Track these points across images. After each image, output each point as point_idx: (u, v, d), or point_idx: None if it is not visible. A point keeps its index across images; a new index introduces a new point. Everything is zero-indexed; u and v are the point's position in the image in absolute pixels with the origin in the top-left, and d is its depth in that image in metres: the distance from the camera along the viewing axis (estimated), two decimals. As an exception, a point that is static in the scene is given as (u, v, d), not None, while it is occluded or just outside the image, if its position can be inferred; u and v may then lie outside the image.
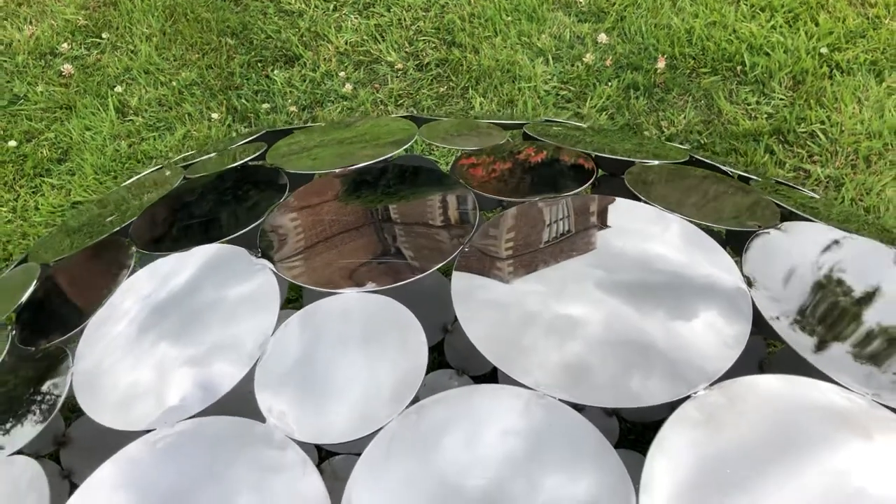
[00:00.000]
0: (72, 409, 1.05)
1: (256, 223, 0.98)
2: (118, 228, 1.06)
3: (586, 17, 2.37)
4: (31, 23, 2.36)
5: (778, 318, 0.82)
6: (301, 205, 1.02)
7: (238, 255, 0.94)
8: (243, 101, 2.14)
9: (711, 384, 0.75)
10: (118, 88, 2.18)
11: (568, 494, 0.68)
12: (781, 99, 2.13)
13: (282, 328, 0.84)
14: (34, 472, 0.81)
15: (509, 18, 2.34)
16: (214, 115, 2.10)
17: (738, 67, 2.21)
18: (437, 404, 0.75)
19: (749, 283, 0.85)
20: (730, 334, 0.80)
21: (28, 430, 0.85)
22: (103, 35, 2.33)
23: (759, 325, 0.82)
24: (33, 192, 1.96)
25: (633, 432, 1.34)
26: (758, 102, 2.13)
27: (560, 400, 0.74)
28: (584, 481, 0.69)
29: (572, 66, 2.23)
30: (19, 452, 0.83)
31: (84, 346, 0.90)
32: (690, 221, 0.93)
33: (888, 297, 0.87)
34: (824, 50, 2.23)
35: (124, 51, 2.28)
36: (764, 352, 1.25)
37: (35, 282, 1.05)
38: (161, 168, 1.35)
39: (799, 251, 0.92)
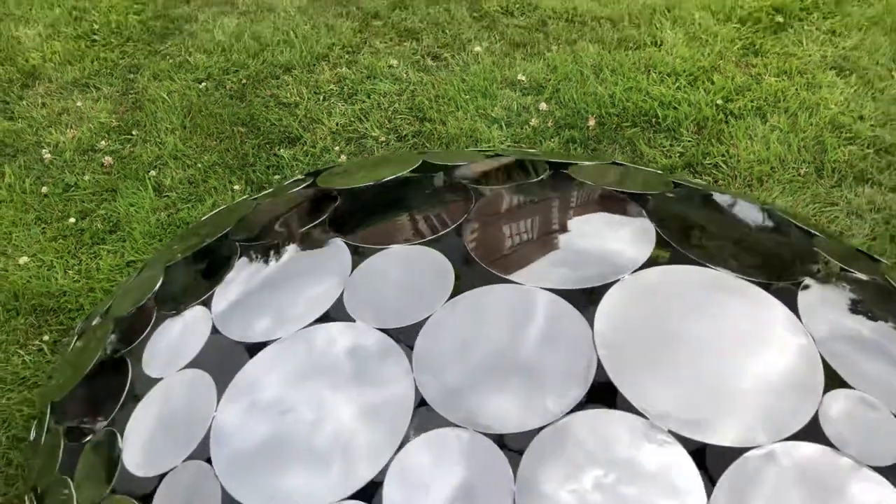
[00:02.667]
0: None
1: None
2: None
3: (529, 91, 2.93)
4: (72, 127, 2.83)
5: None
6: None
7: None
8: (258, 174, 2.62)
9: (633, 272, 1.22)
10: (152, 172, 2.65)
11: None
12: (689, 140, 2.69)
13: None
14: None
15: (467, 97, 2.89)
16: (236, 187, 2.57)
17: (653, 120, 2.77)
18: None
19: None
20: (636, 248, 1.28)
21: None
22: (133, 132, 2.81)
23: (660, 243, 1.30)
24: (93, 257, 2.39)
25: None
26: (671, 145, 2.68)
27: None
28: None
29: (521, 129, 2.76)
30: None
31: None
32: (610, 189, 1.42)
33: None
34: (720, 102, 2.81)
35: (153, 142, 2.76)
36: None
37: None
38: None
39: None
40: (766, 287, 1.23)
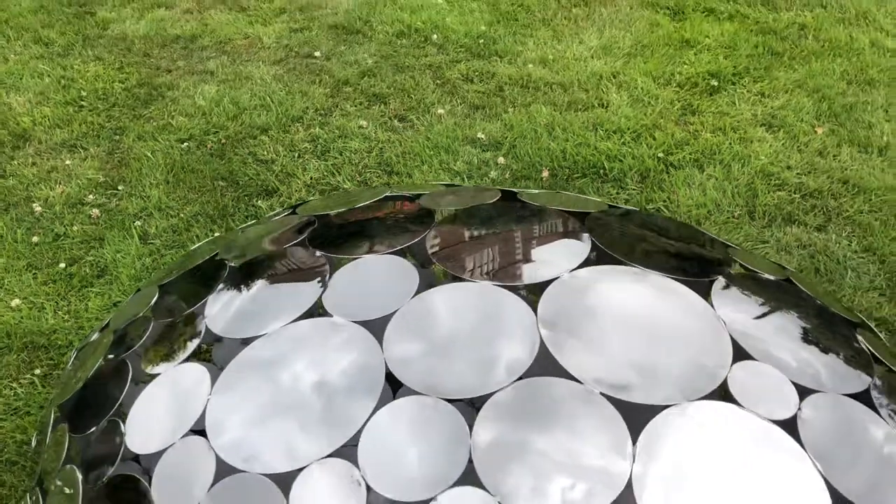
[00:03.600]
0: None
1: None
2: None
3: (488, 148, 3.18)
4: (61, 183, 3.02)
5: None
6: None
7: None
8: (238, 222, 2.82)
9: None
10: (138, 222, 2.84)
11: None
12: (634, 189, 2.94)
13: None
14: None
15: (431, 153, 3.14)
16: (217, 234, 2.77)
17: (601, 171, 3.03)
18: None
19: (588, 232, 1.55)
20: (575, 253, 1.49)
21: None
22: (119, 187, 3.01)
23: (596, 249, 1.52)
24: (82, 299, 2.56)
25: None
26: (617, 193, 2.94)
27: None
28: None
29: (481, 180, 3.01)
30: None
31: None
32: (553, 207, 1.65)
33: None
34: (661, 154, 3.09)
35: (138, 196, 2.96)
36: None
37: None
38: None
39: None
40: (685, 282, 1.45)
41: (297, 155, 3.15)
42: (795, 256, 2.64)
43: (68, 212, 2.90)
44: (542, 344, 1.31)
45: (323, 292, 1.45)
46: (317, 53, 3.74)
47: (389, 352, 1.32)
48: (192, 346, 1.47)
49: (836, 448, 1.24)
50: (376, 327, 1.36)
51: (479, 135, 3.21)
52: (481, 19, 3.95)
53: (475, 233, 1.59)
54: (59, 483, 1.46)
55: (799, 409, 1.28)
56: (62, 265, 2.67)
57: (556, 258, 1.50)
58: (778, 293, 1.58)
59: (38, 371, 2.33)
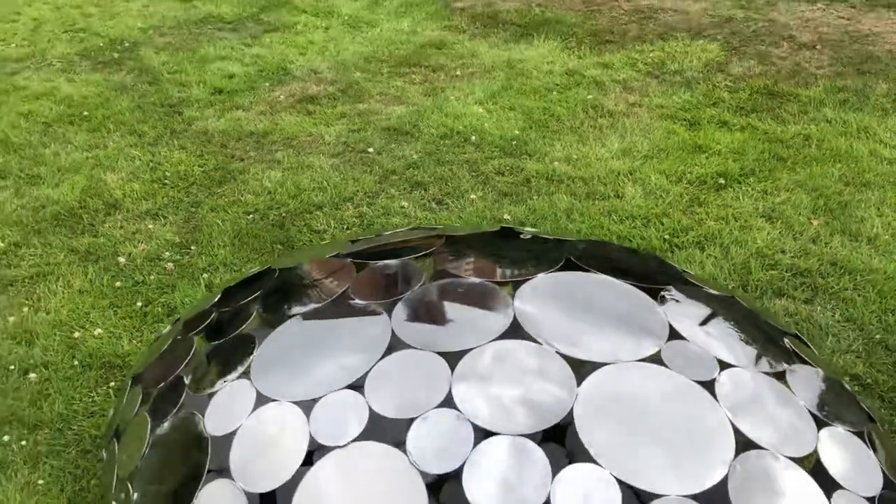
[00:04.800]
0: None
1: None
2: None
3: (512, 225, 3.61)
4: (143, 243, 3.52)
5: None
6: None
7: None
8: (290, 277, 3.26)
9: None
10: (205, 275, 3.30)
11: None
12: (639, 263, 3.31)
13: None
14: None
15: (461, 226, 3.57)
16: (271, 286, 3.20)
17: (611, 247, 3.41)
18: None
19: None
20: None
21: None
22: (192, 247, 3.50)
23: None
24: (152, 331, 2.99)
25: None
26: (624, 265, 3.30)
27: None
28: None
29: (505, 252, 3.41)
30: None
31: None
32: (541, 235, 2.04)
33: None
34: (666, 237, 3.47)
35: (207, 254, 3.43)
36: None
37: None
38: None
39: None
40: (638, 287, 1.81)
41: (345, 227, 3.61)
42: (781, 322, 2.93)
43: (147, 265, 3.38)
44: (515, 318, 1.67)
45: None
46: (370, 149, 4.28)
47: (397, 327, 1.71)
48: (246, 323, 1.87)
49: (744, 403, 1.56)
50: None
51: (506, 216, 3.64)
52: (515, 125, 4.47)
53: (479, 246, 1.98)
54: (132, 427, 1.84)
55: (718, 376, 1.60)
56: (139, 304, 3.12)
57: (535, 262, 1.88)
58: (719, 302, 1.92)
59: (112, 384, 2.74)
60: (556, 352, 1.60)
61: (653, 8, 5.78)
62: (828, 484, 1.48)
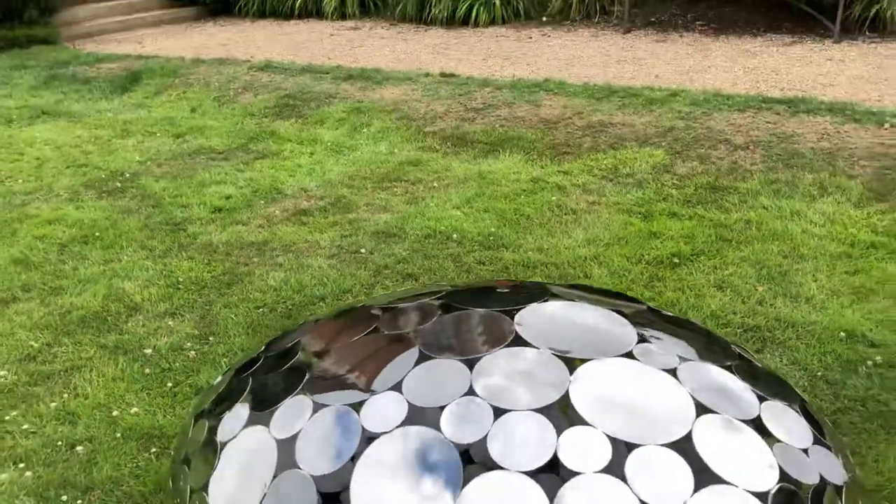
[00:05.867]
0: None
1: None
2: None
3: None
4: (165, 336, 3.91)
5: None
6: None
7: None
8: (302, 357, 3.65)
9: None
10: (224, 359, 3.68)
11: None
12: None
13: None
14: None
15: (452, 310, 4.02)
16: (287, 364, 3.59)
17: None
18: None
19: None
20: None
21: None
22: (210, 338, 3.89)
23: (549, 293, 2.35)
24: (184, 407, 3.34)
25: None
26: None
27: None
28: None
29: (492, 326, 3.85)
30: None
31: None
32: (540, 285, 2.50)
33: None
34: (632, 306, 3.94)
35: (224, 343, 3.82)
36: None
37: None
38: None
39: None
40: (613, 307, 2.27)
41: (347, 314, 4.03)
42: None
43: (171, 354, 3.76)
44: (517, 334, 2.12)
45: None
46: (362, 250, 4.77)
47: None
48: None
49: (702, 384, 2.00)
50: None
51: (490, 297, 4.10)
52: (491, 224, 5.01)
53: (496, 286, 2.44)
54: (200, 449, 2.20)
55: (678, 366, 2.05)
56: (168, 385, 3.49)
57: (531, 299, 2.34)
58: (678, 322, 2.38)
59: (153, 450, 3.08)
60: (552, 353, 2.04)
61: (603, 123, 6.50)
62: (768, 439, 1.91)
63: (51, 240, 5.16)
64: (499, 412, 1.89)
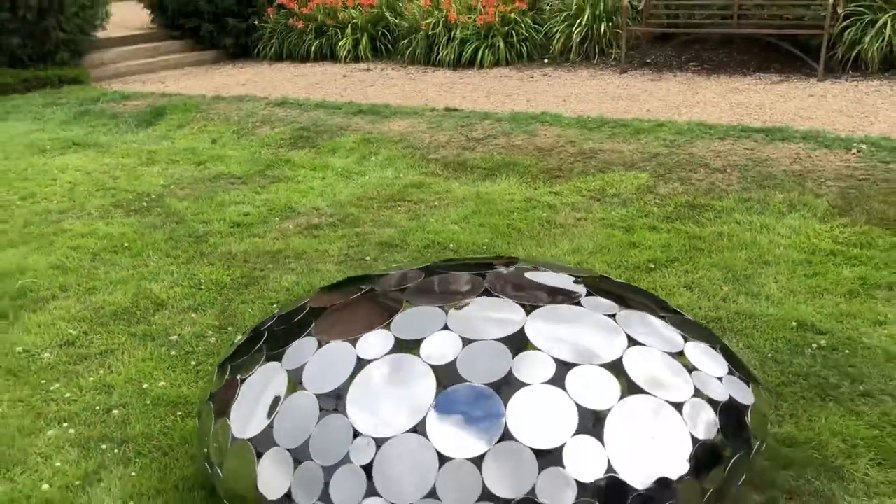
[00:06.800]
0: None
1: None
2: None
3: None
4: (188, 327, 4.37)
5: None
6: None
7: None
8: (311, 342, 4.10)
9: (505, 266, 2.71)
10: (243, 344, 4.13)
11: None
12: (587, 319, 4.20)
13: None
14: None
15: (446, 306, 4.46)
16: (297, 347, 4.04)
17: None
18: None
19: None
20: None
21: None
22: (229, 328, 4.34)
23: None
24: (207, 382, 3.79)
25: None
26: (575, 321, 4.19)
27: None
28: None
29: (481, 318, 4.29)
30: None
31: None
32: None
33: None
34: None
35: (242, 331, 4.27)
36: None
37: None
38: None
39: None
40: (567, 274, 2.72)
41: (352, 308, 4.49)
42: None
43: (194, 340, 4.22)
44: (486, 288, 2.57)
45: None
46: (367, 258, 5.24)
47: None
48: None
49: (636, 325, 2.44)
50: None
51: (480, 295, 4.55)
52: (485, 236, 5.48)
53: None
54: (223, 384, 2.65)
55: (617, 312, 2.49)
56: (192, 363, 3.94)
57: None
58: (626, 286, 2.83)
59: (179, 414, 3.52)
60: (513, 301, 2.49)
61: (594, 150, 7.00)
62: (688, 367, 2.35)
63: (84, 249, 5.66)
64: (466, 342, 2.33)
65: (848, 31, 9.57)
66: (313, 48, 13.54)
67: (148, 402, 3.63)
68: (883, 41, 9.31)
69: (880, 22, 9.35)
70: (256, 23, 14.23)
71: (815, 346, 3.84)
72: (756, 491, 2.83)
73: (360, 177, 7.17)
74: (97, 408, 3.61)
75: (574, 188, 6.42)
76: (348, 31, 13.15)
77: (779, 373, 3.65)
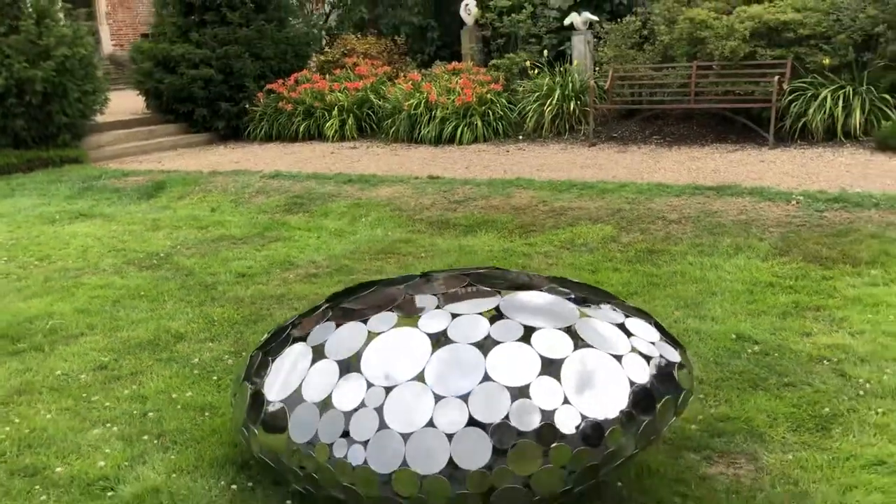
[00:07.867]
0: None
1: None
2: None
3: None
4: (207, 353, 4.97)
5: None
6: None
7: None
8: (317, 360, 4.71)
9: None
10: (256, 364, 4.73)
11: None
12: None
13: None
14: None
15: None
16: (305, 365, 4.64)
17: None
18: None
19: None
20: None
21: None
22: (243, 353, 4.94)
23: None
24: (226, 393, 4.37)
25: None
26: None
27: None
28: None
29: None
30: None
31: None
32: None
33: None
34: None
35: (256, 355, 4.88)
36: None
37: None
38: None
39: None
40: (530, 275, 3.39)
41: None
42: (649, 357, 4.46)
43: (213, 362, 4.81)
44: (469, 282, 3.24)
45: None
46: (362, 298, 5.88)
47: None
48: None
49: (588, 304, 3.10)
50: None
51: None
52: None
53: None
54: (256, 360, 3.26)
55: (573, 296, 3.16)
56: (214, 378, 4.53)
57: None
58: (584, 284, 3.50)
59: (206, 414, 4.10)
60: (489, 289, 3.16)
61: (563, 208, 7.77)
62: (626, 332, 3.00)
63: (104, 298, 6.27)
64: (454, 315, 2.98)
65: (794, 104, 10.55)
66: (302, 129, 14.40)
67: (178, 407, 4.20)
68: (824, 113, 10.28)
69: (821, 95, 10.34)
70: (247, 106, 15.13)
71: (750, 351, 4.50)
72: (693, 452, 3.45)
73: (352, 235, 7.86)
74: (134, 412, 4.18)
75: (546, 240, 7.14)
76: (335, 112, 14.06)
77: (718, 371, 4.29)
